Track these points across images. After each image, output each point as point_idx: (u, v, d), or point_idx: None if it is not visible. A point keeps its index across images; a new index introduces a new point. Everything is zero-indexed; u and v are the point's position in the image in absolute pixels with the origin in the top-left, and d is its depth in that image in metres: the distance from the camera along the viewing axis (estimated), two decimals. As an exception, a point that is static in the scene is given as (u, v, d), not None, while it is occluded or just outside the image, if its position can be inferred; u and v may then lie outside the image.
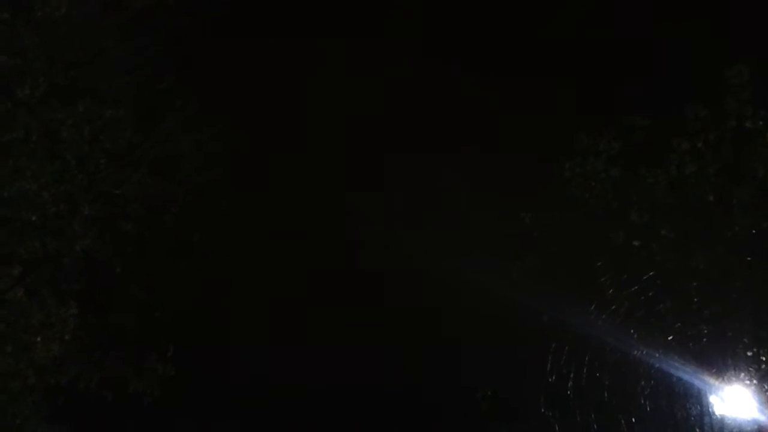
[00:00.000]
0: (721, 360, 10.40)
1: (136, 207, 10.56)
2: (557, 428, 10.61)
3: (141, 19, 10.75)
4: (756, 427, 10.20)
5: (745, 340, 10.36)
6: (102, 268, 10.41)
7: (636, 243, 10.73)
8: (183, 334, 10.73)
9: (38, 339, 9.59)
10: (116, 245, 10.43)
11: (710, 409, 10.41)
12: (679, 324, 10.45)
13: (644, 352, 10.49)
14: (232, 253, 11.51)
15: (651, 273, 10.52)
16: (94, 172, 10.40)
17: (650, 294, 10.53)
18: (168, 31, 10.89)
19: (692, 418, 10.42)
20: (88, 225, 10.24)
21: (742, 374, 10.34)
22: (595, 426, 10.48)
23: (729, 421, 10.35)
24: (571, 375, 10.57)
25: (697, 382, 10.31)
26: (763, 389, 10.24)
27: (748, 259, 10.46)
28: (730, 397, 10.34)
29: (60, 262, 10.21)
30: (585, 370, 10.53)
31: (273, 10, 12.05)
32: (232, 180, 11.18)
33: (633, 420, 10.44)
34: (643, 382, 10.47)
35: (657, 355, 10.41)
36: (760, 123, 10.76)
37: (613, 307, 10.66)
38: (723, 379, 10.35)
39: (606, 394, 10.51)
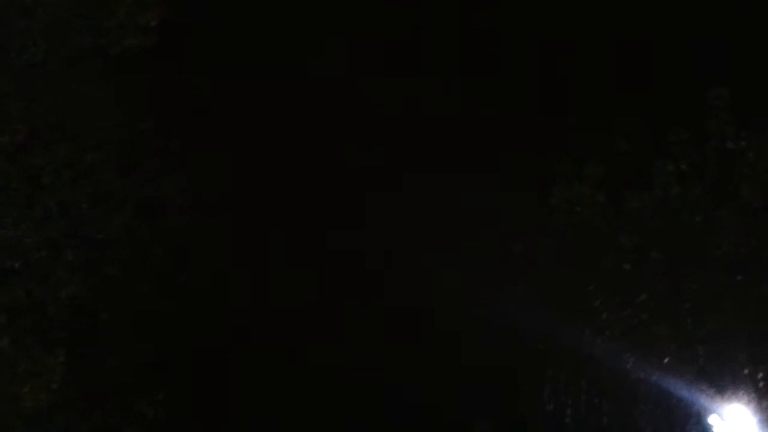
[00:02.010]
0: (719, 379, 10.40)
1: (120, 250, 10.47)
2: (558, 457, 10.52)
3: (120, 62, 10.78)
4: (757, 446, 10.18)
5: (741, 358, 10.38)
6: (88, 314, 10.28)
7: (626, 266, 10.77)
8: (173, 377, 10.59)
9: (26, 389, 9.41)
10: (102, 290, 10.32)
11: (710, 429, 10.39)
12: (674, 346, 10.46)
13: (641, 376, 10.47)
14: (220, 292, 11.42)
15: (643, 296, 10.55)
16: (77, 217, 10.32)
17: (644, 317, 10.54)
18: (148, 73, 10.92)
19: (693, 440, 10.39)
20: (72, 270, 10.13)
21: (741, 392, 10.35)
22: (596, 453, 10.41)
23: (730, 442, 10.33)
24: (569, 402, 10.52)
25: (696, 403, 10.29)
26: (762, 407, 10.25)
27: (739, 277, 10.53)
28: (729, 416, 10.34)
29: (45, 309, 10.08)
30: (583, 397, 10.49)
31: (256, 47, 12.13)
32: (218, 220, 11.13)
33: (634, 445, 10.39)
34: (641, 406, 10.43)
35: (654, 377, 10.39)
36: (742, 143, 10.92)
37: (607, 331, 10.65)
38: (722, 399, 10.34)
39: (605, 420, 10.46)
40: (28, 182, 10.15)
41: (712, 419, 10.31)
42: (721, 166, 10.91)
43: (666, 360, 10.36)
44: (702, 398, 10.18)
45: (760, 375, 10.17)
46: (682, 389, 10.20)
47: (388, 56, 11.96)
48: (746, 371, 10.26)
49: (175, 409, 10.31)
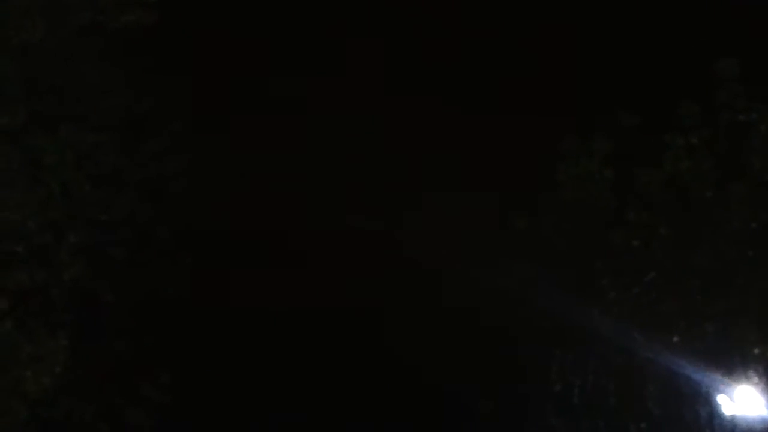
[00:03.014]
0: (728, 359, 10.23)
1: (124, 232, 10.34)
2: (565, 437, 10.40)
3: (120, 40, 10.57)
4: (766, 426, 10.01)
5: (752, 337, 10.19)
6: (91, 297, 10.17)
7: (635, 243, 10.57)
8: (178, 360, 10.49)
9: (29, 373, 9.34)
10: (105, 272, 10.20)
11: (719, 410, 10.24)
12: (683, 324, 10.28)
13: (650, 355, 10.31)
14: (226, 274, 11.30)
15: (652, 273, 10.35)
16: (79, 199, 10.19)
17: (652, 295, 10.35)
18: (149, 50, 10.71)
19: (701, 420, 10.23)
20: (75, 253, 10.02)
21: (750, 372, 10.17)
22: (604, 432, 10.28)
23: (739, 421, 10.17)
24: (577, 382, 10.37)
25: (704, 383, 10.14)
26: (772, 386, 10.08)
27: (750, 253, 10.31)
28: (738, 397, 10.17)
29: (49, 292, 9.98)
30: (590, 376, 10.34)
31: (261, 23, 11.89)
32: (223, 199, 10.98)
33: (642, 425, 10.25)
34: (650, 385, 10.28)
35: (663, 356, 10.23)
36: (754, 115, 10.63)
37: (616, 309, 10.48)
38: (731, 378, 10.17)
39: (613, 400, 10.32)
40: (30, 164, 10.00)
41: (721, 399, 10.15)
42: (731, 140, 10.63)
43: (675, 338, 10.17)
44: (711, 378, 10.01)
45: (771, 354, 9.97)
46: (691, 368, 10.03)
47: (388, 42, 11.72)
48: (756, 350, 10.06)
49: (180, 392, 10.22)
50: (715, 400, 10.24)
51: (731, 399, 10.17)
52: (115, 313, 10.27)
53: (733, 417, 10.20)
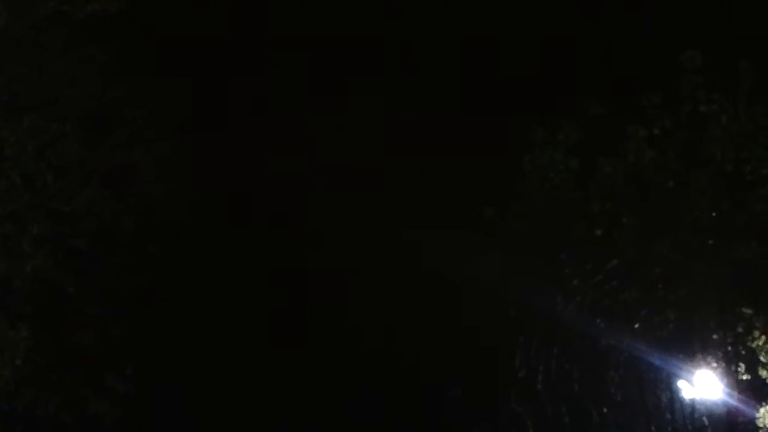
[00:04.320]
0: (688, 345, 10.27)
1: (87, 223, 10.14)
2: (529, 423, 10.39)
3: (85, 29, 10.35)
4: (725, 409, 10.09)
5: (711, 324, 10.24)
6: (54, 288, 9.96)
7: (598, 232, 10.57)
8: (142, 351, 10.34)
9: (-12, 365, 9.14)
10: (68, 263, 10.00)
11: (680, 394, 10.29)
12: (644, 311, 10.30)
13: (612, 342, 10.33)
14: (192, 265, 11.14)
15: (614, 261, 10.36)
16: (41, 189, 9.96)
17: (615, 283, 10.36)
18: (114, 40, 10.50)
19: (663, 405, 10.28)
20: (37, 244, 9.80)
21: (709, 358, 10.23)
22: (567, 418, 10.29)
23: (699, 405, 10.23)
24: (541, 368, 10.37)
25: (665, 368, 10.18)
26: (730, 371, 10.15)
27: (711, 242, 10.35)
28: (698, 381, 10.23)
29: (10, 283, 9.76)
30: (554, 363, 10.34)
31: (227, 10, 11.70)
32: (188, 189, 10.81)
33: (604, 410, 10.27)
34: (612, 372, 10.30)
35: (624, 343, 10.25)
36: (714, 106, 10.66)
37: (579, 297, 10.48)
38: (691, 364, 10.23)
39: (576, 386, 10.33)
40: (-9, 154, 9.76)
41: (681, 384, 10.20)
42: (693, 130, 10.65)
43: (636, 325, 10.19)
44: (672, 363, 10.05)
45: (729, 340, 10.03)
46: (652, 354, 10.07)
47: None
48: (715, 336, 10.11)
49: (144, 383, 10.07)
50: (676, 385, 10.30)
51: (691, 384, 10.22)
52: (78, 305, 10.07)
53: (693, 401, 10.25)
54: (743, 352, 10.02)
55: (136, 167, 10.39)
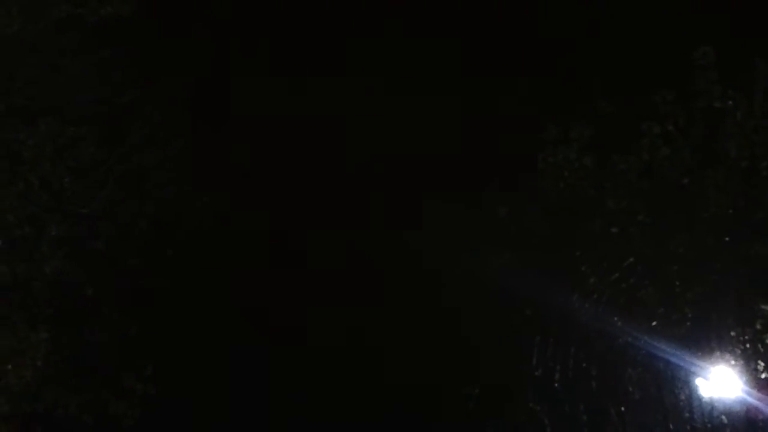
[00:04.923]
0: (706, 342, 10.23)
1: (104, 224, 10.19)
2: (546, 422, 10.37)
3: (99, 32, 10.39)
4: (744, 407, 10.04)
5: (729, 321, 10.19)
6: (73, 290, 10.01)
7: (614, 230, 10.53)
8: (161, 351, 10.37)
9: (10, 366, 9.19)
10: (86, 265, 10.05)
11: (698, 392, 10.25)
12: (662, 309, 10.26)
13: (629, 340, 10.29)
14: (208, 267, 11.17)
15: (631, 259, 10.32)
16: (59, 192, 10.02)
17: (631, 280, 10.33)
18: (127, 42, 10.54)
19: (681, 402, 10.24)
20: (56, 246, 9.85)
21: (727, 355, 10.19)
22: (585, 417, 10.26)
23: (717, 403, 10.19)
24: (558, 367, 10.34)
25: (683, 366, 10.14)
26: (749, 369, 10.10)
27: (727, 239, 10.30)
28: (716, 379, 10.18)
29: (30, 285, 9.81)
30: (571, 362, 10.32)
31: (237, 13, 11.72)
32: (205, 191, 10.84)
33: (622, 408, 10.24)
34: (629, 370, 10.27)
35: (642, 341, 10.22)
36: (729, 102, 10.61)
37: (595, 295, 10.44)
38: (709, 361, 10.18)
39: (593, 384, 10.30)
40: (9, 157, 9.82)
41: (699, 382, 10.15)
42: (708, 127, 10.60)
43: (654, 323, 10.15)
44: (689, 361, 10.01)
45: (747, 337, 9.98)
46: (669, 352, 10.03)
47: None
48: (733, 333, 10.07)
49: (164, 384, 10.10)
50: (694, 383, 10.25)
51: (709, 382, 10.17)
52: (96, 306, 10.11)
53: (711, 399, 10.20)
54: (762, 350, 9.95)
55: (151, 169, 10.42)
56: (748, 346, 10.05)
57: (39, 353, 9.25)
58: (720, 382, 10.12)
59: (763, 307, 10.08)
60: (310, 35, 11.76)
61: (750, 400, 9.92)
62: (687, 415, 10.18)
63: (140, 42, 10.53)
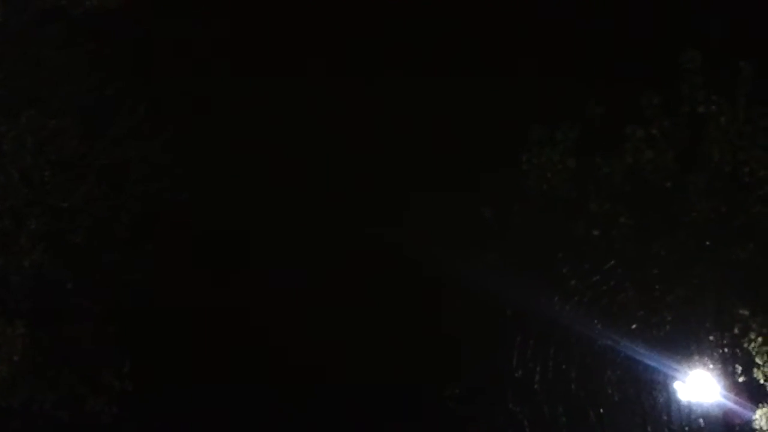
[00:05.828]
0: (685, 346, 10.26)
1: (84, 218, 10.10)
2: (526, 423, 10.38)
3: (83, 25, 10.29)
4: (721, 410, 10.08)
5: (708, 325, 10.23)
6: (52, 283, 9.92)
7: (596, 232, 10.54)
8: (140, 348, 10.30)
9: (-15, 361, 9.10)
10: (65, 259, 9.96)
11: (676, 395, 10.28)
12: (642, 312, 10.29)
13: (609, 342, 10.31)
14: (188, 261, 11.10)
15: (612, 262, 10.34)
16: (40, 185, 9.92)
17: (612, 283, 10.35)
18: (112, 36, 10.44)
19: (659, 405, 10.27)
20: (35, 239, 9.75)
21: (706, 359, 10.22)
22: (564, 419, 10.28)
23: (695, 407, 10.23)
24: (538, 368, 10.35)
25: (662, 369, 10.17)
26: (727, 372, 10.14)
27: (707, 243, 10.33)
28: (694, 383, 10.22)
29: (8, 279, 9.72)
30: (551, 363, 10.33)
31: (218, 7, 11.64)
32: (184, 186, 10.77)
33: (601, 410, 10.26)
34: (609, 372, 10.29)
35: (622, 343, 10.24)
36: (713, 107, 10.63)
37: (576, 297, 10.46)
38: (687, 365, 10.22)
39: (573, 386, 10.32)
40: (-11, 150, 9.71)
41: (677, 385, 10.19)
42: (692, 131, 10.63)
43: (633, 326, 10.17)
44: (668, 364, 10.04)
45: (725, 341, 10.01)
46: (649, 355, 10.05)
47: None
48: (712, 338, 10.10)
49: (141, 381, 10.03)
50: (672, 386, 10.28)
51: (687, 385, 10.21)
52: (75, 300, 10.03)
53: (689, 402, 10.24)
54: (740, 354, 10.00)
55: (131, 163, 10.34)
56: (726, 350, 10.08)
57: (16, 348, 9.16)
58: (698, 385, 10.15)
59: (742, 311, 10.12)
60: (289, 33, 11.70)
61: (727, 403, 9.96)
62: (665, 418, 10.22)
63: (124, 35, 10.43)
